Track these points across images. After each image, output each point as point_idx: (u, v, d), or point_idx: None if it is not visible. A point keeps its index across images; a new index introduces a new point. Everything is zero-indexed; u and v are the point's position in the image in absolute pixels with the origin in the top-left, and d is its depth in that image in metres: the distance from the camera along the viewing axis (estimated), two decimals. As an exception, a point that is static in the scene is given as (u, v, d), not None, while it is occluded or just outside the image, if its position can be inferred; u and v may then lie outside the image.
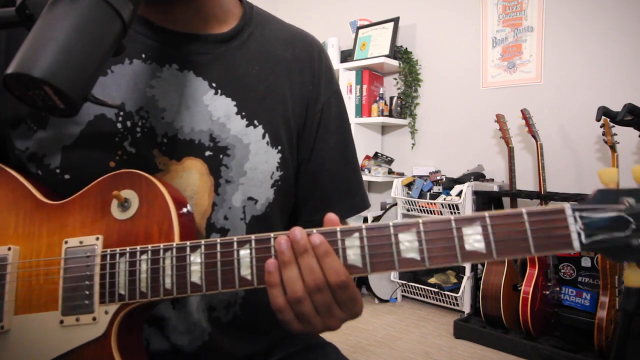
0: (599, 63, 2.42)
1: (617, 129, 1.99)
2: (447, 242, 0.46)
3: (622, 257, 0.43)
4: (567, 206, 0.44)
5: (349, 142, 0.78)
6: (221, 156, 0.63)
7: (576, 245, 0.44)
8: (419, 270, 2.90)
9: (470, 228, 0.46)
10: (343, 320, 0.51)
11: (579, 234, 0.44)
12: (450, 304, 2.64)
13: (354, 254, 0.48)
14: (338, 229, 0.49)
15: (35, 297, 0.55)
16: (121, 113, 0.60)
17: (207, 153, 0.63)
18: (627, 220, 0.43)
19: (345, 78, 3.19)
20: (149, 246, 0.53)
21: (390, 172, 3.08)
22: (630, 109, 1.53)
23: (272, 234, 0.50)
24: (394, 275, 2.87)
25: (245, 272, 0.50)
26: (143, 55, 0.62)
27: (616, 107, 1.65)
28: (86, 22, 0.43)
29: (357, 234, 0.48)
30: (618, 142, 2.05)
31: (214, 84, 0.64)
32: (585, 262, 2.33)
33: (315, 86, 0.73)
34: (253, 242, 0.50)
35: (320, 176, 0.73)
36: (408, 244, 0.47)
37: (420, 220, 0.47)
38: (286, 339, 0.76)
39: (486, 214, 0.46)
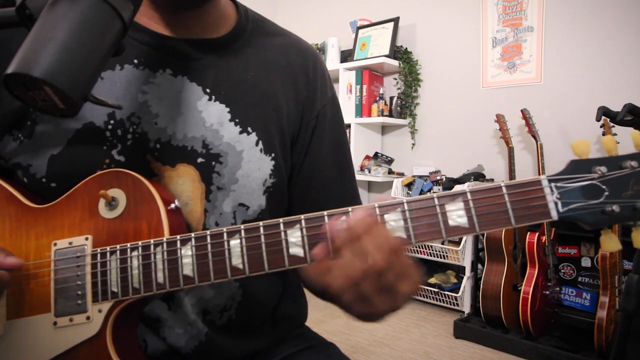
0: (599, 63, 2.42)
1: (617, 129, 1.99)
2: (431, 218, 0.48)
3: (597, 223, 0.46)
4: (543, 177, 0.47)
5: (344, 151, 0.77)
6: (213, 163, 0.63)
7: (554, 214, 0.46)
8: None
9: (452, 204, 0.48)
10: (406, 299, 0.48)
11: (555, 204, 0.46)
12: (450, 304, 2.64)
13: None
14: (325, 213, 0.49)
15: (27, 301, 0.55)
16: (111, 121, 0.59)
17: (200, 160, 0.62)
18: (601, 188, 0.46)
19: (345, 78, 3.18)
20: (139, 242, 0.53)
21: (390, 172, 3.08)
22: (630, 109, 1.53)
23: (261, 223, 0.50)
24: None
25: (237, 261, 0.50)
26: (135, 61, 0.61)
27: (616, 107, 1.64)
28: (86, 22, 0.43)
29: (344, 217, 0.49)
30: (618, 142, 2.04)
31: (208, 90, 0.64)
32: (585, 262, 2.34)
33: (311, 93, 0.72)
34: (242, 231, 0.51)
35: (312, 184, 0.73)
36: (394, 223, 0.48)
37: (405, 200, 0.48)
38: (287, 339, 0.76)
39: (467, 189, 0.48)
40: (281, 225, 0.50)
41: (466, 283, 2.53)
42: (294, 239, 0.50)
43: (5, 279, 0.51)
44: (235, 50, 0.67)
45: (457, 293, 2.56)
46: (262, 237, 0.50)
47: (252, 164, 0.65)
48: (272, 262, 0.50)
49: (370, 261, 0.45)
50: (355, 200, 0.77)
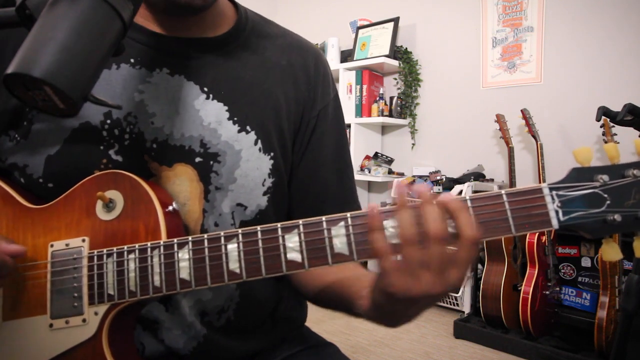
0: (599, 63, 2.42)
1: (617, 129, 1.99)
2: None
3: (599, 232, 0.45)
4: (544, 185, 0.46)
5: (344, 152, 0.77)
6: (211, 162, 0.62)
7: (554, 223, 0.45)
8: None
9: None
10: (449, 285, 0.45)
11: (556, 212, 0.45)
12: (450, 304, 2.64)
13: (340, 243, 0.48)
14: (323, 218, 0.49)
15: (24, 302, 0.55)
16: (108, 121, 0.59)
17: (198, 159, 0.62)
18: (602, 197, 0.45)
19: (345, 78, 3.18)
20: (137, 245, 0.53)
21: (390, 172, 3.08)
22: (630, 109, 1.53)
23: (258, 227, 0.50)
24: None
25: (234, 265, 0.50)
26: (132, 60, 0.61)
27: (616, 107, 1.64)
28: (86, 22, 0.43)
29: (342, 223, 0.49)
30: (618, 142, 2.05)
31: (205, 89, 0.63)
32: (585, 262, 2.33)
33: (311, 92, 0.72)
34: (240, 236, 0.50)
35: (311, 184, 0.72)
36: (393, 230, 0.47)
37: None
38: (287, 340, 0.76)
39: (467, 197, 0.47)
40: (279, 230, 0.50)
41: (466, 283, 2.53)
42: (292, 244, 0.49)
43: (8, 264, 0.52)
44: (234, 49, 0.67)
45: (457, 293, 2.56)
46: (260, 242, 0.50)
47: (250, 163, 0.64)
48: (270, 267, 0.50)
49: (441, 227, 0.44)
50: (354, 202, 0.77)
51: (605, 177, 0.45)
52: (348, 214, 0.48)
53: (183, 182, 0.61)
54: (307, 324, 0.83)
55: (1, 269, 0.52)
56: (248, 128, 0.64)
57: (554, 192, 0.46)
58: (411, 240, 0.45)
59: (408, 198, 0.46)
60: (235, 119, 0.64)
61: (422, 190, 0.46)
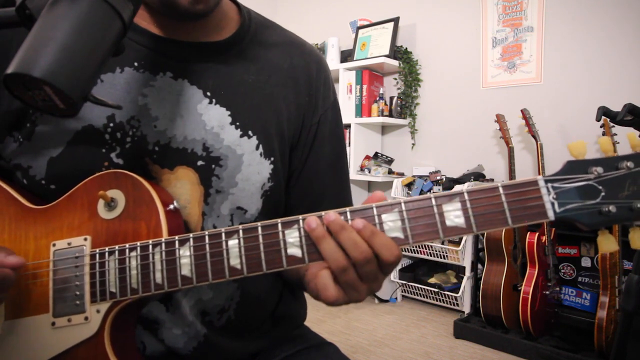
0: (599, 63, 2.42)
1: (617, 129, 1.99)
2: (429, 219, 0.48)
3: (594, 224, 0.46)
4: (539, 178, 0.47)
5: (342, 156, 0.77)
6: (213, 166, 0.63)
7: (550, 214, 0.46)
8: (418, 272, 2.90)
9: (450, 204, 0.48)
10: (381, 284, 0.51)
11: (552, 204, 0.46)
12: (450, 304, 2.64)
13: None
14: (323, 214, 0.49)
15: (26, 301, 0.55)
16: (110, 124, 0.59)
17: (200, 163, 0.62)
18: (597, 189, 0.45)
19: (345, 78, 3.18)
20: (138, 243, 0.53)
21: (390, 172, 3.08)
22: (630, 109, 1.52)
23: (259, 223, 0.51)
24: (394, 276, 2.87)
25: (235, 261, 0.50)
26: (136, 64, 0.61)
27: (616, 107, 1.64)
28: (86, 22, 0.43)
29: (342, 218, 0.49)
30: (618, 142, 2.05)
31: (208, 93, 0.63)
32: (585, 262, 2.33)
33: (312, 97, 0.72)
34: (241, 232, 0.51)
35: (311, 186, 0.73)
36: (392, 224, 0.48)
37: (402, 200, 0.48)
38: (287, 340, 0.76)
39: (464, 190, 0.48)
40: (279, 225, 0.50)
41: (466, 283, 2.53)
42: (292, 239, 0.50)
43: (9, 278, 0.51)
44: (237, 53, 0.67)
45: (457, 293, 2.56)
46: (260, 238, 0.50)
47: (251, 167, 0.64)
48: (270, 263, 0.50)
49: (364, 250, 0.47)
50: (349, 203, 0.77)
51: (600, 169, 0.46)
52: (347, 209, 0.49)
53: (184, 185, 0.62)
54: (307, 323, 0.83)
55: (3, 283, 0.51)
56: (250, 133, 0.65)
57: (549, 184, 0.46)
58: (343, 267, 0.48)
59: (322, 229, 0.48)
60: (238, 123, 0.64)
61: (331, 218, 0.48)
